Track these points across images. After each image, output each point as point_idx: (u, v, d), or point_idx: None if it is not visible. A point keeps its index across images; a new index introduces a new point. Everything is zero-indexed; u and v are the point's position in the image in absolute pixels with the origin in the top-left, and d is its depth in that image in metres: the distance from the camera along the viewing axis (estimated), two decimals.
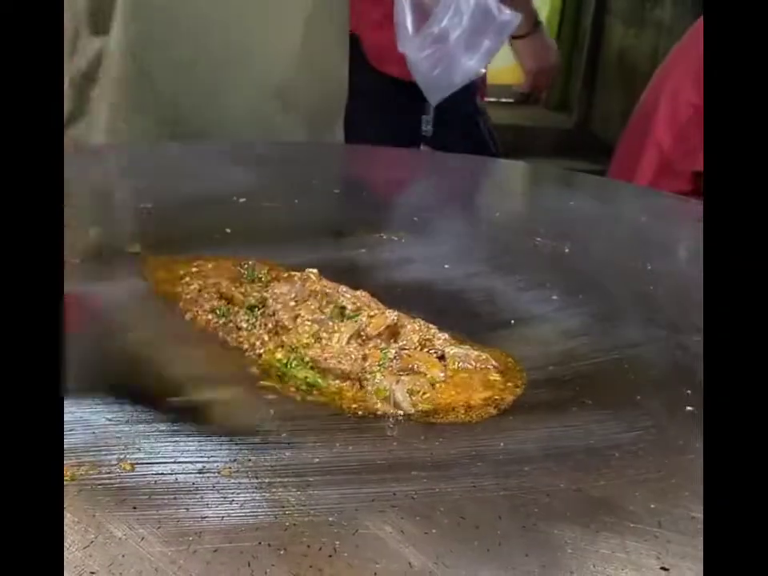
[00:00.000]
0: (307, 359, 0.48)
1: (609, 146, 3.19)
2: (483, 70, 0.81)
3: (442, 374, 0.48)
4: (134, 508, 0.36)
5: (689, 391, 0.49)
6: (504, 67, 2.65)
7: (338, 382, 0.47)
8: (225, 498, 0.37)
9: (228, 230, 0.68)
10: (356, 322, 0.50)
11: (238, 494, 0.38)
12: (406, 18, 0.88)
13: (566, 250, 0.70)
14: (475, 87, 1.37)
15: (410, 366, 0.48)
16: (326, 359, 0.47)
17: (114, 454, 0.40)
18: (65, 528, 0.34)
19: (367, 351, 0.48)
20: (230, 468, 0.39)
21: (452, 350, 0.50)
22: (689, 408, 0.47)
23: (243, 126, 0.97)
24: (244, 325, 0.51)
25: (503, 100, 2.83)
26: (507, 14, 0.76)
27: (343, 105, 1.08)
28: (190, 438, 0.41)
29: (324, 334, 0.49)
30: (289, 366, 0.48)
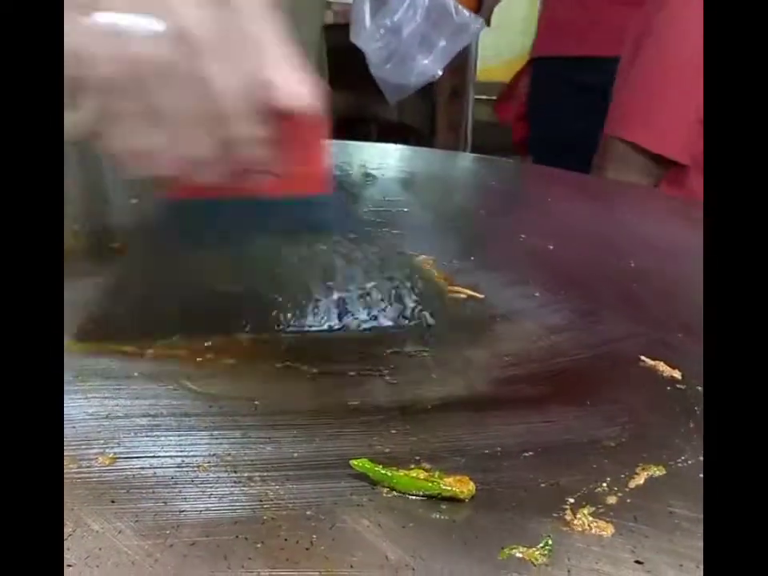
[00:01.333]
0: None
1: None
2: (440, 72, 0.77)
3: None
4: (112, 501, 0.36)
5: (669, 387, 0.50)
6: (493, 65, 2.66)
7: None
8: (203, 492, 0.37)
9: None
10: None
11: (217, 488, 0.38)
12: (365, 10, 0.86)
13: (550, 247, 0.70)
14: None
15: None
16: None
17: (94, 448, 0.40)
18: None
19: None
20: (209, 462, 0.39)
21: None
22: (669, 404, 0.48)
23: None
24: None
25: (494, 98, 2.83)
26: (466, 15, 0.74)
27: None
28: (170, 433, 0.41)
29: None
30: None
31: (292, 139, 0.41)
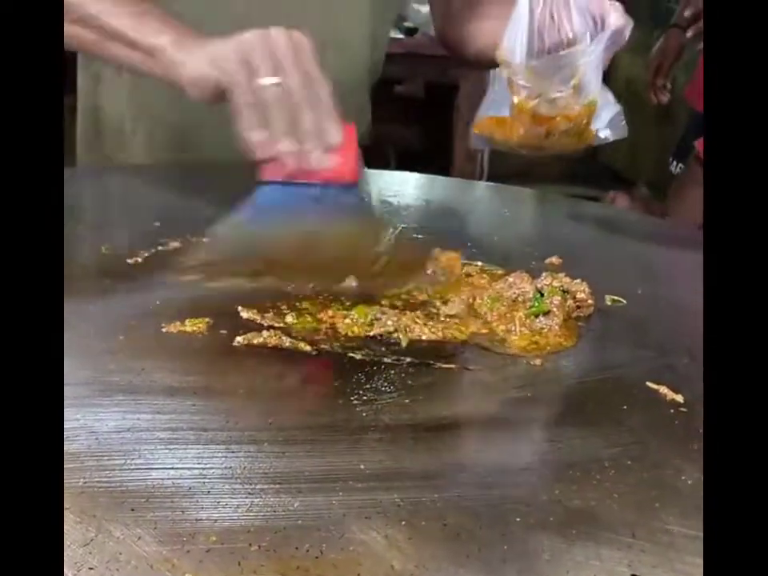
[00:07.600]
0: None
1: (616, 173, 3.21)
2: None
3: None
4: (132, 510, 0.38)
5: (671, 410, 0.51)
6: None
7: None
8: (218, 502, 0.39)
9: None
10: None
11: (232, 498, 0.40)
12: None
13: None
14: None
15: None
16: None
17: (116, 459, 0.42)
18: (66, 527, 0.36)
19: None
20: (225, 474, 0.41)
21: None
22: (670, 426, 0.49)
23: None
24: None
25: None
26: None
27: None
28: (188, 446, 0.43)
29: None
30: None
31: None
